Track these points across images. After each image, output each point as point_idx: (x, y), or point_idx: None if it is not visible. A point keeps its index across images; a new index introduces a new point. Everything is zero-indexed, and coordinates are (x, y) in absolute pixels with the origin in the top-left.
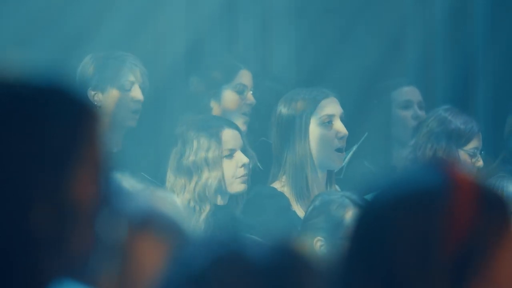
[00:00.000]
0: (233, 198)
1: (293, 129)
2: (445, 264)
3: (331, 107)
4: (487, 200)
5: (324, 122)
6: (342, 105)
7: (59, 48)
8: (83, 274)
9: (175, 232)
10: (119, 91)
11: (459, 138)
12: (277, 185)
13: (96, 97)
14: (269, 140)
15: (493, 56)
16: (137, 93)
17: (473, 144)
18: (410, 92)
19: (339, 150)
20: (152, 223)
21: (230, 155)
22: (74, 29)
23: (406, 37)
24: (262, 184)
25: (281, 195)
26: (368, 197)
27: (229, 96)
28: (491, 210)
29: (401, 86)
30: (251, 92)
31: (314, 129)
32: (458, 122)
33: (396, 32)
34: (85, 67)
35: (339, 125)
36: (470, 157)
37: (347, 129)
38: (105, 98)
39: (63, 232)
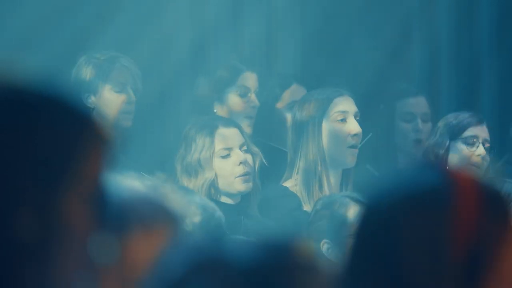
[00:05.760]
0: (246, 197)
1: (306, 130)
2: (453, 264)
3: (344, 104)
4: (488, 198)
5: (337, 120)
6: None
7: (62, 50)
8: None
9: (172, 234)
10: (110, 93)
11: (453, 129)
12: (289, 184)
13: (89, 99)
14: (264, 140)
15: (499, 60)
16: (128, 94)
17: (469, 133)
18: (414, 105)
19: (352, 146)
20: (154, 224)
21: (227, 155)
22: (79, 31)
23: (411, 40)
24: (275, 184)
25: (293, 195)
26: (372, 198)
27: (232, 99)
28: (493, 208)
29: (407, 96)
30: (255, 94)
31: (327, 127)
32: (454, 118)
33: (402, 34)
34: (79, 69)
35: (352, 123)
36: (467, 146)
37: None
38: (97, 100)
39: (52, 246)
